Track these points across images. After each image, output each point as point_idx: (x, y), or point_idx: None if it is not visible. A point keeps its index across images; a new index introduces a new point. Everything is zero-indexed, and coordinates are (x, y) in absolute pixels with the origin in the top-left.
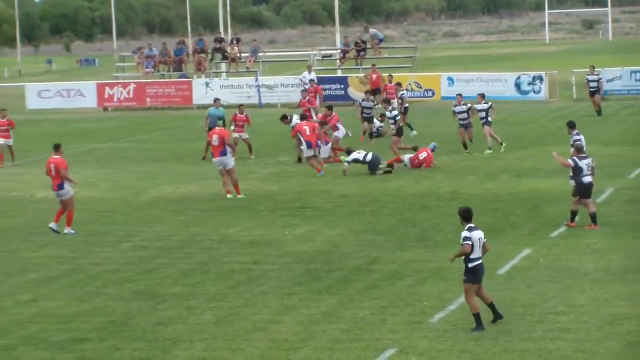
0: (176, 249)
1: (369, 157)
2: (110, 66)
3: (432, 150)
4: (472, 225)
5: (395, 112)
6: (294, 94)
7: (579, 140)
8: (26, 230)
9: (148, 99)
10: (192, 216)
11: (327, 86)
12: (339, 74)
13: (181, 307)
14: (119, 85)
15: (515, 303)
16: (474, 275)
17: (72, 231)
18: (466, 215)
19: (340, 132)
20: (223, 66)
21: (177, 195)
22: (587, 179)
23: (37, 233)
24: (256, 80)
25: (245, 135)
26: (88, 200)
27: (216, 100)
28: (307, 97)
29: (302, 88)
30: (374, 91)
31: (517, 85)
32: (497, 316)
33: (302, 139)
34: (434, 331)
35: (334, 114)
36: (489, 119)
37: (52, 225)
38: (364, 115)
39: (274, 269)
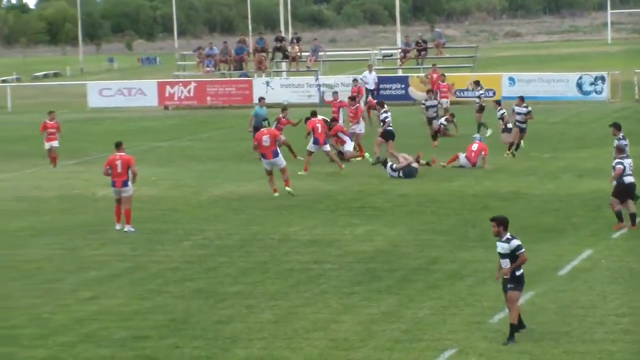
0: (236, 247)
1: (404, 172)
2: (171, 65)
3: (480, 140)
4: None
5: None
6: None
7: (624, 142)
8: (87, 228)
9: (208, 98)
10: (253, 215)
11: (387, 86)
12: (400, 73)
13: (241, 306)
14: (180, 84)
15: (576, 304)
16: (521, 284)
17: (133, 229)
18: (507, 224)
19: (361, 126)
20: (284, 65)
21: (238, 193)
22: (628, 179)
23: (98, 231)
24: (316, 79)
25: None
26: (148, 198)
27: (261, 99)
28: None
29: (333, 90)
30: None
31: (579, 86)
32: (520, 326)
33: (312, 134)
34: (494, 332)
35: (357, 105)
36: (524, 125)
37: (120, 226)
38: (429, 116)
39: (334, 268)
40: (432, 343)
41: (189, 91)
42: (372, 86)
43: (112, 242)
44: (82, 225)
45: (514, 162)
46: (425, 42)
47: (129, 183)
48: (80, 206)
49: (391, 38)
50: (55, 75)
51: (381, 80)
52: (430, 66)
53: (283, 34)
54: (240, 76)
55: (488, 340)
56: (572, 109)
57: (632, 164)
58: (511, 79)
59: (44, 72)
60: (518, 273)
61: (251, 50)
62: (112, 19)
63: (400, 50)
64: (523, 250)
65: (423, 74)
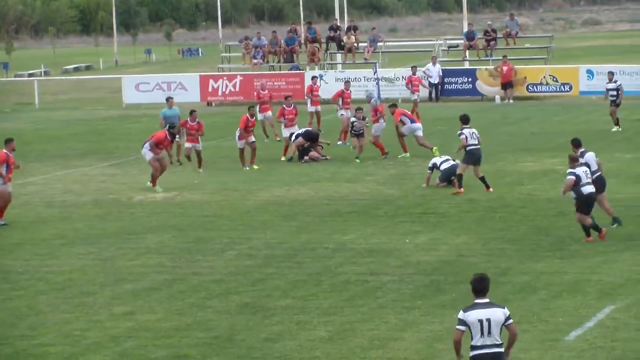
0: (286, 258)
1: (446, 165)
2: (215, 57)
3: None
4: (483, 301)
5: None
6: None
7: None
8: (123, 237)
9: (256, 93)
10: (304, 222)
11: (453, 79)
12: (467, 66)
13: (291, 322)
14: (224, 78)
15: None
16: None
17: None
18: (473, 287)
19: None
20: (338, 57)
21: (288, 198)
22: (587, 188)
23: (135, 240)
24: (375, 72)
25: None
26: (190, 203)
27: (168, 99)
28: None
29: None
30: (505, 85)
31: None
32: None
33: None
34: (570, 350)
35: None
36: (617, 100)
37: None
38: None
39: (394, 280)
40: None
41: (234, 85)
42: (435, 80)
43: (149, 251)
44: (117, 233)
45: None
46: (494, 31)
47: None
48: (116, 212)
49: (457, 27)
50: (88, 68)
51: (446, 73)
52: (501, 58)
53: (338, 23)
54: (290, 69)
55: None
56: None
57: (587, 172)
58: (589, 72)
59: (75, 65)
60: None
61: (303, 41)
62: (149, 7)
63: (463, 41)
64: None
65: (492, 67)
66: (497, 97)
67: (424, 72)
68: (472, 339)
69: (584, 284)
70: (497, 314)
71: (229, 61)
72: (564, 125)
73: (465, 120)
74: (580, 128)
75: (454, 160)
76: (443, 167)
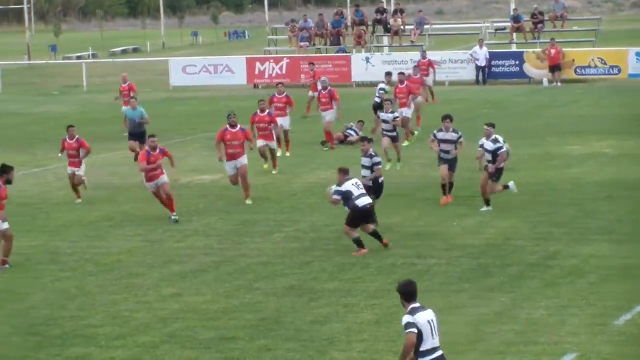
0: (333, 240)
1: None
2: (262, 39)
3: None
4: (417, 305)
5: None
6: (464, 71)
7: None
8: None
9: (302, 76)
10: None
11: (500, 62)
12: (514, 48)
13: (338, 305)
14: (271, 60)
15: None
16: None
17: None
18: (406, 292)
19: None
20: (385, 40)
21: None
22: (362, 201)
23: (182, 222)
24: (421, 55)
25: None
26: (236, 186)
27: (130, 98)
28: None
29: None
30: (553, 68)
31: None
32: None
33: None
34: (619, 334)
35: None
36: None
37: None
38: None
39: (440, 263)
40: (549, 346)
41: (280, 68)
42: (482, 62)
43: (196, 233)
44: (164, 215)
45: None
46: (542, 13)
47: None
48: None
49: (504, 9)
50: (135, 50)
51: (493, 56)
52: (548, 40)
53: (384, 5)
54: (337, 52)
55: (613, 344)
56: None
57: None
58: (638, 54)
59: (122, 48)
60: None
61: (349, 23)
62: None
63: (510, 23)
64: (411, 329)
65: (540, 49)
66: (545, 80)
67: (471, 54)
68: (420, 344)
69: (633, 268)
70: (433, 314)
71: (275, 44)
72: (612, 109)
73: None
74: (629, 112)
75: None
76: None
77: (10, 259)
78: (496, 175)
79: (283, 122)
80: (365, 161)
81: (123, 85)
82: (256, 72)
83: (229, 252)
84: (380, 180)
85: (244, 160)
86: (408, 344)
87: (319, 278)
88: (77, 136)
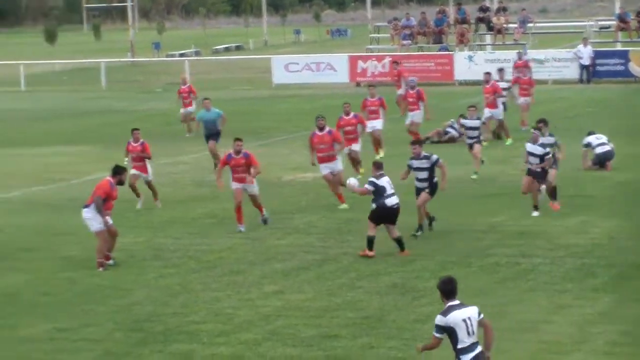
0: (435, 239)
1: (601, 149)
2: (364, 37)
3: None
4: (455, 302)
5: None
6: (567, 70)
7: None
8: (272, 216)
9: (405, 74)
10: (453, 203)
11: (604, 61)
12: (619, 47)
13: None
14: (373, 59)
15: None
16: None
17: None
18: (445, 289)
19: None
20: (488, 38)
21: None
22: (391, 200)
23: (284, 219)
24: (525, 54)
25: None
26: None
27: (204, 100)
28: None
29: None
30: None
31: None
32: None
33: None
34: None
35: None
36: None
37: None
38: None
39: (545, 263)
40: None
41: (383, 66)
42: (586, 61)
43: (298, 231)
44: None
45: None
46: None
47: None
48: (264, 192)
49: (609, 8)
50: (237, 48)
51: (597, 55)
52: None
53: (487, 4)
54: (439, 50)
55: None
56: None
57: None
58: None
59: (225, 45)
60: None
61: (452, 22)
62: None
63: (616, 22)
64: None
65: None
66: None
67: (575, 53)
68: (457, 342)
69: None
70: (473, 312)
71: (378, 42)
72: None
73: None
74: None
75: (609, 144)
76: (598, 150)
77: (114, 256)
78: (542, 175)
79: (376, 124)
80: (419, 163)
81: (183, 87)
82: (358, 70)
83: (332, 250)
84: (434, 180)
85: (339, 165)
86: (431, 346)
87: (421, 277)
88: (142, 140)
